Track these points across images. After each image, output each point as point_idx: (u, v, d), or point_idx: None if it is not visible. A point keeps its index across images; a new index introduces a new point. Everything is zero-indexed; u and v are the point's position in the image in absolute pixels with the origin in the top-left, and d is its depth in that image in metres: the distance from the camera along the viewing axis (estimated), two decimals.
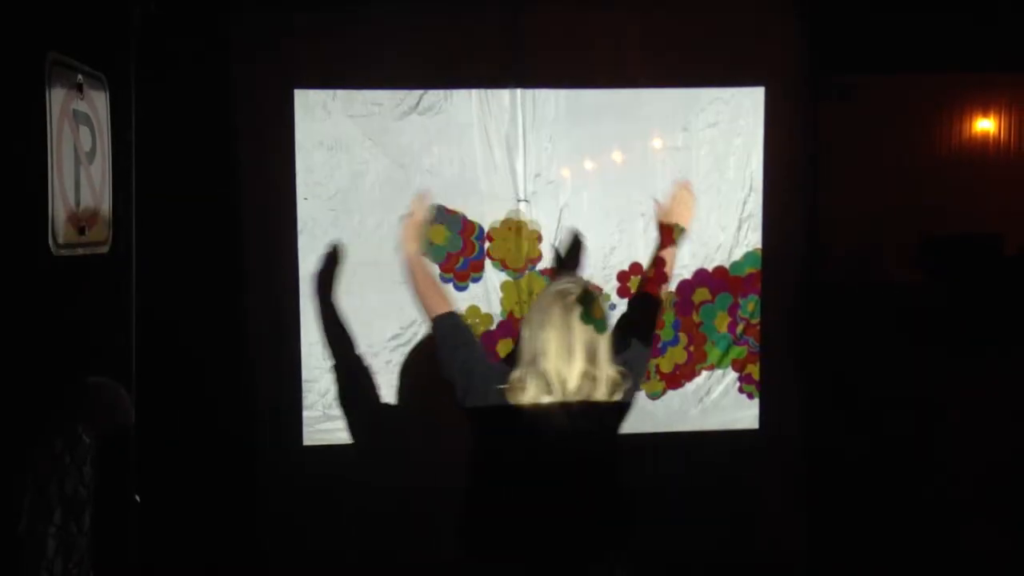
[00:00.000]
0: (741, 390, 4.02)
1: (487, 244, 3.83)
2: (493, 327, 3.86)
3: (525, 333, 2.26)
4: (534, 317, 2.23)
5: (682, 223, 2.78)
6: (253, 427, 3.76)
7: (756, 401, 4.02)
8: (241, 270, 3.74)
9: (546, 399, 2.18)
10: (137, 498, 2.66)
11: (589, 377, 2.18)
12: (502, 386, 2.22)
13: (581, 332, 2.16)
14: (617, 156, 3.90)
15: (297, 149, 3.73)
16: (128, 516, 2.62)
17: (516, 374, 2.22)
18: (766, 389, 4.02)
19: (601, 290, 2.35)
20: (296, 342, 3.78)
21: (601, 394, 2.18)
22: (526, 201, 3.84)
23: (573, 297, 2.20)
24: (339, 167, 3.75)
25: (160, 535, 2.92)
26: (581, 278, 2.37)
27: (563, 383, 2.17)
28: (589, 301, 2.19)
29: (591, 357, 2.18)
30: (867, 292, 7.71)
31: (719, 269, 3.95)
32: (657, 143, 3.90)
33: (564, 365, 2.16)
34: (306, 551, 3.82)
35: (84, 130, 2.36)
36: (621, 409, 2.33)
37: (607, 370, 2.22)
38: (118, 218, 2.57)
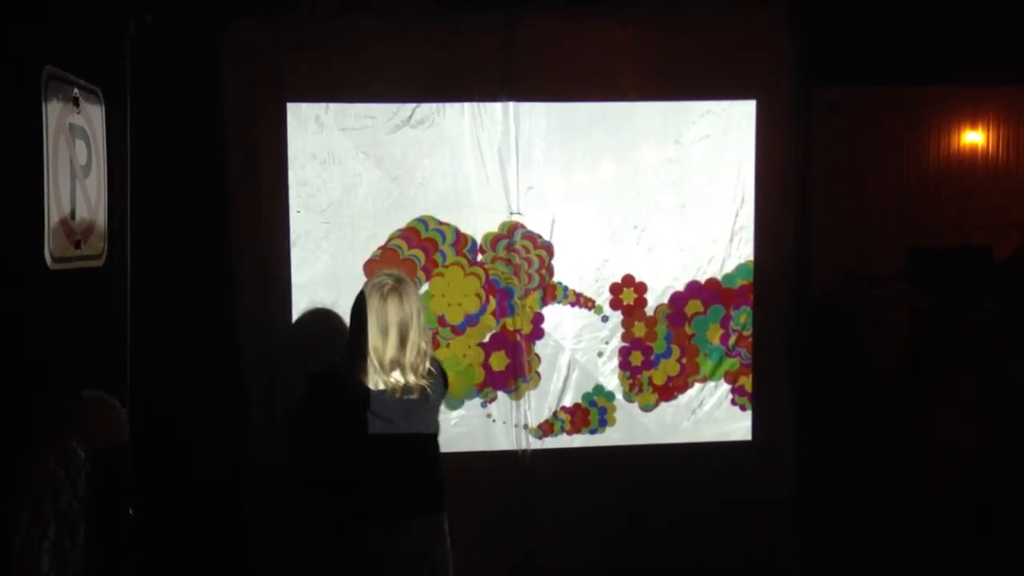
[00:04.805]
0: (734, 402, 4.03)
1: (480, 256, 3.84)
2: (486, 339, 3.86)
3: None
4: (359, 306, 2.69)
5: None
6: (245, 442, 3.75)
7: (748, 413, 4.04)
8: (234, 283, 3.73)
9: (373, 370, 2.67)
10: (131, 512, 2.65)
11: (400, 350, 2.66)
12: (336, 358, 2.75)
13: (394, 314, 2.64)
14: (609, 169, 3.91)
15: (290, 162, 3.74)
16: (122, 530, 2.61)
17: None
18: (758, 401, 4.03)
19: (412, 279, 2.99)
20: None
21: (411, 360, 2.68)
22: (519, 213, 3.86)
23: (387, 287, 2.67)
24: (332, 180, 3.76)
25: (153, 550, 2.91)
26: (396, 271, 2.79)
27: (380, 356, 2.65)
28: (400, 289, 2.67)
29: (403, 333, 2.66)
30: (858, 303, 7.73)
31: (711, 281, 3.97)
32: (649, 156, 3.91)
33: (380, 341, 2.65)
34: (296, 566, 3.80)
35: (80, 144, 2.36)
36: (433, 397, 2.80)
37: (419, 343, 2.70)
38: (112, 231, 2.57)
